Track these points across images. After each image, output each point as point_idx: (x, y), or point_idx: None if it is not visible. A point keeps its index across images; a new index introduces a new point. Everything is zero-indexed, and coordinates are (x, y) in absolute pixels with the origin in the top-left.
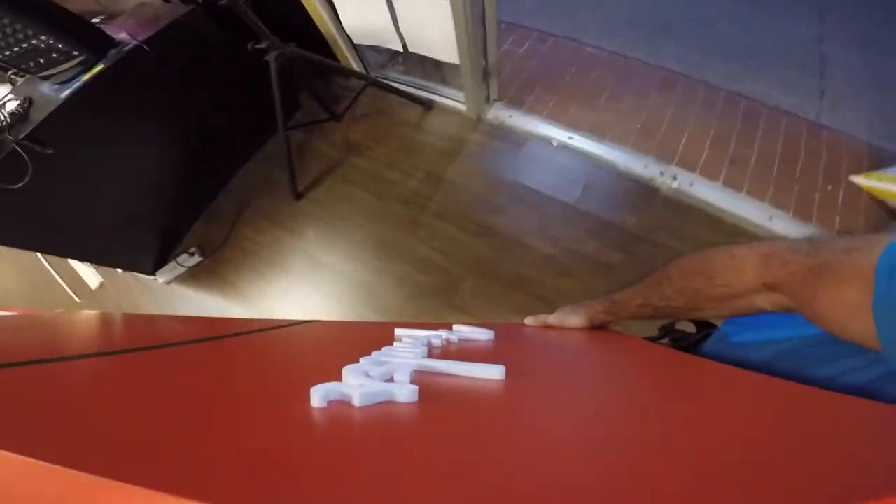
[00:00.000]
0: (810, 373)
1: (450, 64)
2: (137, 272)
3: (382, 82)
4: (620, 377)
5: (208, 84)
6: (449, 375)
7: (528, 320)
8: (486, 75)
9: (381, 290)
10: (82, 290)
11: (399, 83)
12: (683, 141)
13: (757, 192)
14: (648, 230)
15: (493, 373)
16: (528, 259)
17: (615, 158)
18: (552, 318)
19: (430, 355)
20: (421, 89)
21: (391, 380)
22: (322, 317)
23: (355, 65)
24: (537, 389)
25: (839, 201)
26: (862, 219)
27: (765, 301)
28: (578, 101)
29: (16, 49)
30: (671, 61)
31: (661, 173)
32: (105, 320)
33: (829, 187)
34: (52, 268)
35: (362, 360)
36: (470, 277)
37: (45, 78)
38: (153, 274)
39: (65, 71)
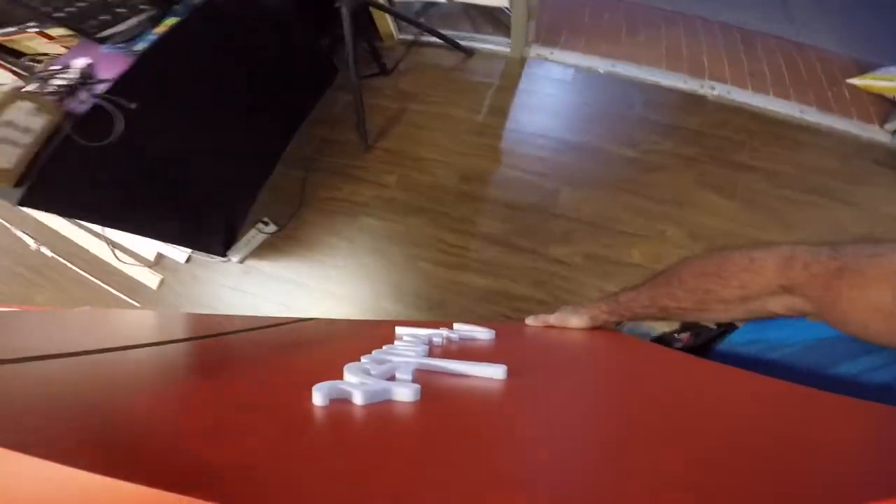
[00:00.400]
0: (833, 371)
1: (480, 9)
2: (210, 253)
3: (429, 31)
4: (621, 378)
5: (268, 41)
6: (450, 374)
7: (529, 320)
8: (529, 16)
9: (480, 217)
10: (141, 294)
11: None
12: (706, 62)
13: (782, 95)
14: (711, 126)
15: (495, 372)
16: (617, 164)
17: (657, 78)
18: (553, 319)
19: (432, 354)
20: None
21: (393, 378)
22: (423, 263)
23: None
24: (539, 389)
25: (847, 98)
26: (871, 108)
27: (778, 305)
28: (604, 38)
29: (77, 5)
30: (662, 2)
31: (701, 86)
32: (111, 317)
33: (834, 88)
34: (99, 280)
35: (363, 359)
36: (566, 187)
37: (103, 40)
38: (224, 255)
39: (129, 29)
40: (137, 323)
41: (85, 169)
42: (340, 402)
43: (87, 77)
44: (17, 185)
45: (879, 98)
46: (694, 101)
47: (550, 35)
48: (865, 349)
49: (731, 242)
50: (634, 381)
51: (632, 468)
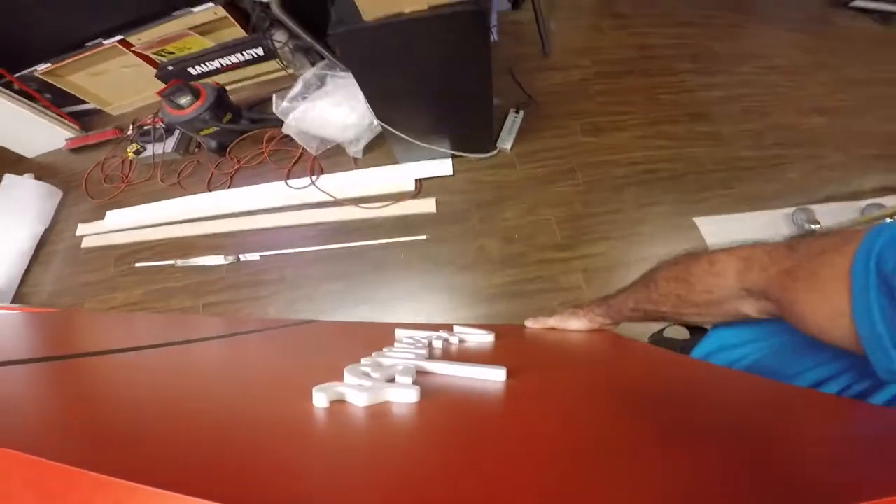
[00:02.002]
0: (795, 381)
1: None
2: (483, 153)
3: None
4: (620, 378)
5: None
6: (450, 377)
7: (529, 322)
8: None
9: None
10: (426, 221)
11: None
12: None
13: None
14: None
15: (495, 374)
16: None
17: None
18: (552, 321)
19: (431, 356)
20: None
21: (392, 380)
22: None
23: None
24: (538, 391)
25: None
26: None
27: (749, 307)
28: None
29: None
30: None
31: None
32: (114, 319)
33: None
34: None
35: (363, 361)
36: None
37: None
38: (495, 147)
39: None
40: (142, 323)
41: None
42: (341, 404)
43: None
44: None
45: None
46: None
47: None
48: (831, 356)
49: None
50: (633, 382)
51: (631, 467)
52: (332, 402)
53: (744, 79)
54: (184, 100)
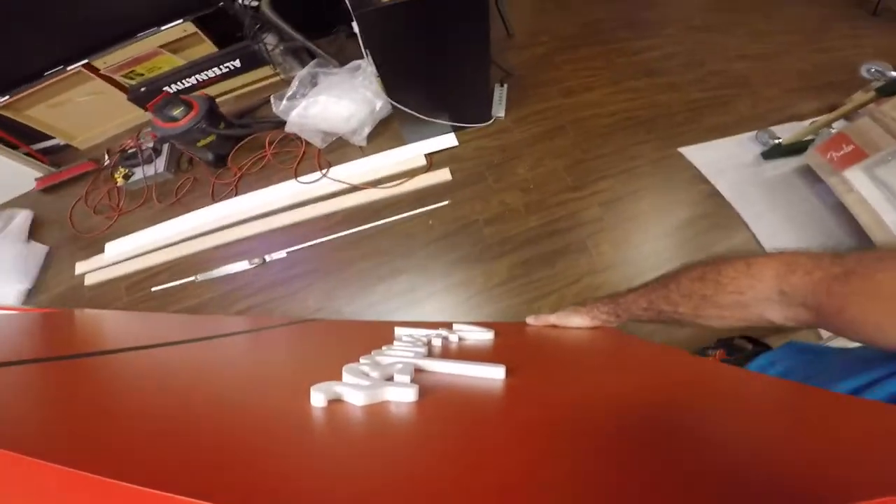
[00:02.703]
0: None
1: None
2: (483, 123)
3: None
4: (622, 377)
5: None
6: (449, 375)
7: (530, 319)
8: None
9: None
10: (444, 189)
11: None
12: None
13: None
14: None
15: (494, 372)
16: None
17: None
18: (553, 318)
19: (431, 355)
20: None
21: (391, 379)
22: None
23: None
24: (538, 389)
25: None
26: None
27: (776, 313)
28: None
29: None
30: None
31: None
32: (111, 318)
33: None
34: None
35: (362, 360)
36: None
37: None
38: (491, 117)
39: None
40: (140, 321)
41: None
42: (339, 403)
43: None
44: None
45: None
46: None
47: None
48: (881, 357)
49: None
50: (635, 379)
51: (631, 466)
52: (329, 402)
53: (674, 38)
54: (177, 111)
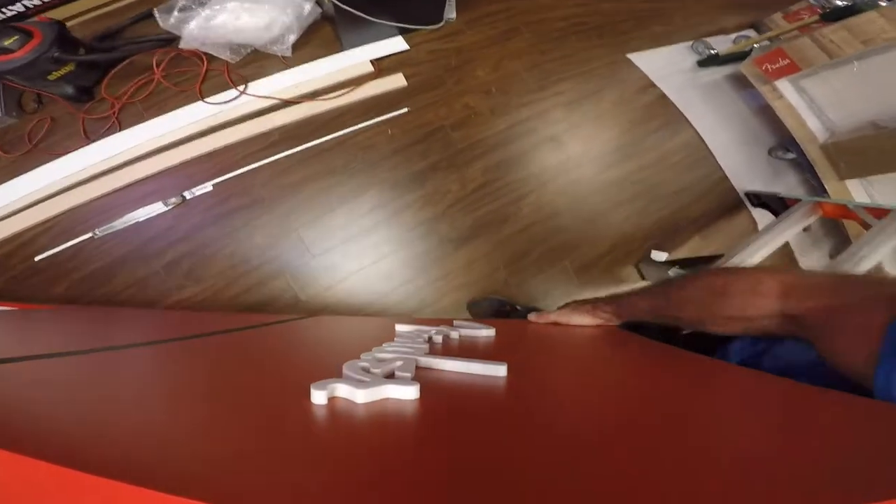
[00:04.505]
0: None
1: None
2: (432, 24)
3: None
4: (623, 375)
5: None
6: (450, 372)
7: (532, 316)
8: None
9: None
10: (401, 96)
11: None
12: None
13: None
14: None
15: (496, 370)
16: None
17: None
18: (554, 316)
19: (432, 352)
20: None
21: (392, 376)
22: None
23: None
24: (540, 387)
25: None
26: None
27: (776, 326)
28: None
29: None
30: None
31: None
32: (109, 316)
33: None
34: None
35: (363, 356)
36: None
37: None
38: (442, 18)
39: None
40: (137, 319)
41: None
42: (340, 401)
43: None
44: None
45: None
46: None
47: None
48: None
49: None
50: (636, 378)
51: (630, 463)
52: (330, 399)
53: None
54: (9, 41)
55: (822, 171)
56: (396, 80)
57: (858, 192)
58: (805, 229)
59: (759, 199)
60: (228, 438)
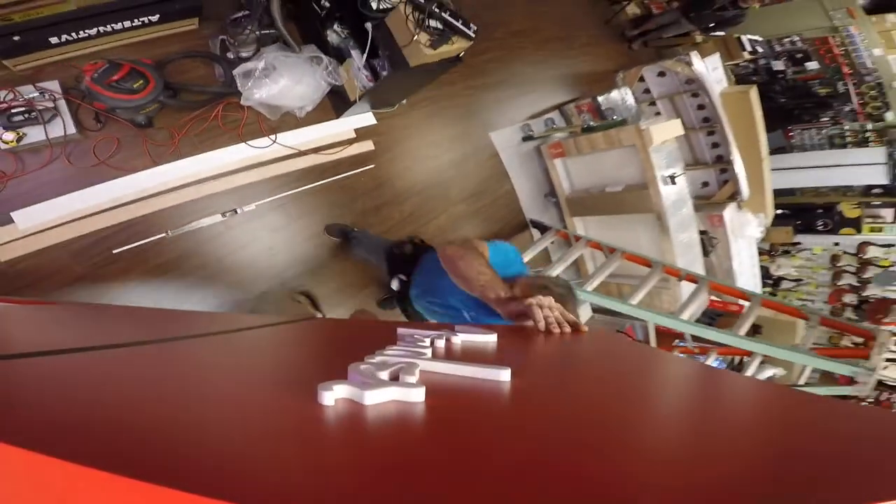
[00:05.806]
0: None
1: None
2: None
3: None
4: (623, 377)
5: None
6: (454, 376)
7: (537, 314)
8: None
9: None
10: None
11: None
12: None
13: None
14: None
15: (499, 375)
16: None
17: None
18: (543, 311)
19: (435, 356)
20: None
21: (397, 379)
22: None
23: None
24: (542, 390)
25: None
26: None
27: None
28: None
29: None
30: None
31: None
32: (109, 312)
33: None
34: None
35: (367, 360)
36: None
37: None
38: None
39: None
40: (141, 317)
41: None
42: (346, 402)
43: None
44: None
45: None
46: None
47: None
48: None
49: None
50: (637, 379)
51: (630, 461)
52: (337, 401)
53: (498, 43)
54: (136, 84)
55: (565, 210)
56: (367, 145)
57: (579, 226)
58: (552, 242)
59: (535, 223)
60: (241, 438)
